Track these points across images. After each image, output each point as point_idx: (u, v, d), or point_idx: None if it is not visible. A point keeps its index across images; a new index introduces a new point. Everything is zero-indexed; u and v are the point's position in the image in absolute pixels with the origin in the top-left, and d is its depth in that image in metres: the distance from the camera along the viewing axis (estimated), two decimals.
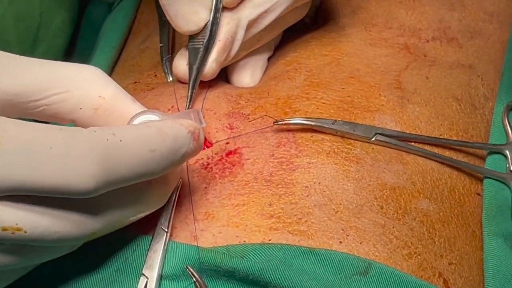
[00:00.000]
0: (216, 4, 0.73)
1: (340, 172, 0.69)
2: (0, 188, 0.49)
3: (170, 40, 0.83)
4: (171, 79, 0.81)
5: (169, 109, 0.75)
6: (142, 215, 0.61)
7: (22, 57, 0.59)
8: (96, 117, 0.61)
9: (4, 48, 0.88)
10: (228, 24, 0.74)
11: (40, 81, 0.58)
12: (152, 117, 0.62)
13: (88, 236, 0.56)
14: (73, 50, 1.10)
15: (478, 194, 0.74)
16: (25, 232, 0.51)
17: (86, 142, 0.51)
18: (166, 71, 0.82)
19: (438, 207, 0.70)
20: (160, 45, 0.83)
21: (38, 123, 0.52)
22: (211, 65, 0.75)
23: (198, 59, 0.74)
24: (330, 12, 0.89)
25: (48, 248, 0.56)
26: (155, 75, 0.83)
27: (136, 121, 0.62)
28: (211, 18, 0.73)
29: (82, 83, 0.60)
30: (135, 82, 0.82)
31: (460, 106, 0.78)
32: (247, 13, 0.75)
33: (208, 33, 0.74)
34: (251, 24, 0.75)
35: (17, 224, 0.51)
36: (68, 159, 0.50)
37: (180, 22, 0.73)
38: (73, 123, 0.62)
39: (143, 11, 0.98)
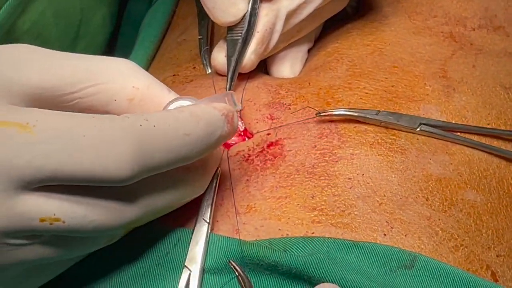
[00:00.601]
0: None
1: (384, 163, 0.67)
2: (35, 178, 0.49)
3: (209, 32, 0.82)
4: (209, 71, 0.80)
5: None
6: (182, 202, 0.61)
7: (54, 51, 0.59)
8: (131, 108, 0.60)
9: (44, 46, 0.88)
10: (266, 15, 0.73)
11: (73, 74, 0.57)
12: (185, 102, 0.61)
13: (127, 225, 0.55)
14: (113, 47, 1.10)
15: None
16: (63, 222, 0.51)
17: (119, 128, 0.51)
18: (205, 63, 0.81)
19: (486, 198, 0.68)
20: (199, 37, 0.82)
21: (70, 112, 0.52)
22: (250, 57, 0.74)
23: (236, 51, 0.73)
24: (372, 2, 0.87)
25: (88, 239, 0.56)
26: (194, 68, 0.82)
27: (170, 108, 0.61)
28: (249, 9, 0.72)
29: (116, 75, 0.59)
30: (173, 75, 0.82)
31: (508, 95, 0.76)
32: (286, 3, 0.74)
33: (246, 24, 0.72)
34: (290, 15, 0.74)
35: (54, 215, 0.50)
36: (102, 146, 0.50)
37: (218, 13, 0.72)
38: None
39: (182, 6, 0.98)
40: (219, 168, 0.65)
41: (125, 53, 0.98)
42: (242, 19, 0.73)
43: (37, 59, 0.57)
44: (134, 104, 0.60)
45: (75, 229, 0.52)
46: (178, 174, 0.58)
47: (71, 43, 0.96)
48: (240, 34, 0.73)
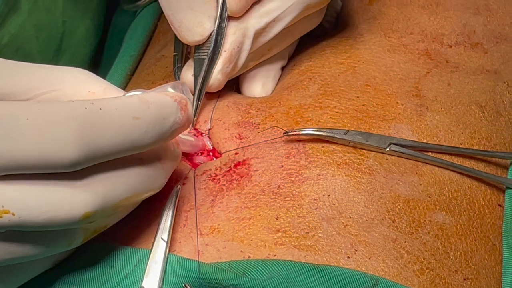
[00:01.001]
0: (221, 14, 0.71)
1: (351, 184, 0.67)
2: None
3: (184, 49, 0.81)
4: None
5: None
6: (139, 198, 0.59)
7: (10, 60, 0.58)
8: None
9: (26, 59, 0.87)
10: (234, 34, 0.72)
11: (29, 81, 0.57)
12: (136, 93, 0.60)
13: (82, 220, 0.53)
14: (100, 59, 1.09)
15: (500, 205, 0.70)
16: (13, 214, 0.50)
17: (63, 111, 0.51)
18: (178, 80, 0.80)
19: (456, 220, 0.67)
20: (174, 54, 0.81)
21: (16, 101, 0.52)
22: (217, 76, 0.73)
23: (202, 70, 0.72)
24: (350, 18, 0.86)
25: (45, 237, 0.55)
26: None
27: None
28: (215, 28, 0.72)
29: (71, 81, 0.59)
30: None
31: (483, 113, 0.75)
32: (254, 22, 0.73)
33: (212, 43, 0.72)
34: (258, 33, 0.73)
35: (3, 206, 0.50)
36: (46, 129, 0.49)
37: (184, 32, 0.72)
38: None
39: (164, 21, 0.97)
40: (179, 186, 0.65)
41: (112, 65, 0.98)
42: (208, 38, 0.72)
43: None
44: None
45: (26, 222, 0.50)
46: (133, 165, 0.57)
47: (54, 55, 0.95)
48: (206, 53, 0.72)
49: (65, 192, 0.52)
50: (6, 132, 0.48)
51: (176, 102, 0.58)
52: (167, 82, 0.82)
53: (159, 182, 0.61)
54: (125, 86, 0.89)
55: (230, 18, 0.72)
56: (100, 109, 0.52)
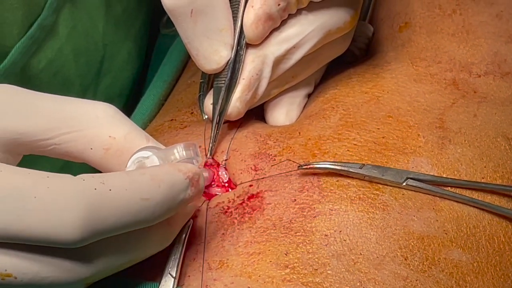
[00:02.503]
0: (239, 41, 0.71)
1: (363, 220, 0.65)
2: None
3: (211, 76, 0.81)
4: (206, 117, 0.79)
5: None
6: (145, 257, 0.60)
7: (35, 92, 0.59)
8: (107, 157, 0.60)
9: (65, 84, 0.88)
10: (253, 62, 0.72)
11: (50, 120, 0.58)
12: (146, 153, 0.60)
13: (83, 281, 0.55)
14: (143, 82, 1.10)
15: None
16: (15, 278, 0.51)
17: (72, 191, 0.51)
18: (202, 108, 0.80)
19: (473, 257, 0.65)
20: (200, 80, 0.81)
21: (26, 170, 0.51)
22: (235, 104, 0.72)
23: (220, 99, 0.72)
24: (379, 45, 0.85)
25: None
26: (192, 113, 0.82)
27: (130, 161, 0.60)
28: (232, 56, 0.71)
29: (93, 123, 0.59)
30: (171, 120, 0.81)
31: (510, 146, 0.73)
32: (273, 49, 0.72)
33: (229, 71, 0.71)
34: (278, 60, 0.73)
35: (6, 270, 0.51)
36: (53, 209, 0.50)
37: (201, 61, 0.71)
38: (85, 162, 0.61)
39: None
40: (191, 221, 0.65)
41: None
42: (226, 66, 0.72)
43: (14, 103, 0.57)
44: (110, 154, 0.60)
45: (28, 285, 0.52)
46: (138, 232, 0.57)
47: (93, 79, 0.96)
48: (224, 82, 0.72)
49: (67, 261, 0.53)
50: (14, 208, 0.49)
51: (188, 179, 0.58)
52: (191, 110, 0.82)
53: (166, 243, 0.62)
54: (157, 112, 0.89)
55: (248, 45, 0.72)
56: (110, 190, 0.52)
